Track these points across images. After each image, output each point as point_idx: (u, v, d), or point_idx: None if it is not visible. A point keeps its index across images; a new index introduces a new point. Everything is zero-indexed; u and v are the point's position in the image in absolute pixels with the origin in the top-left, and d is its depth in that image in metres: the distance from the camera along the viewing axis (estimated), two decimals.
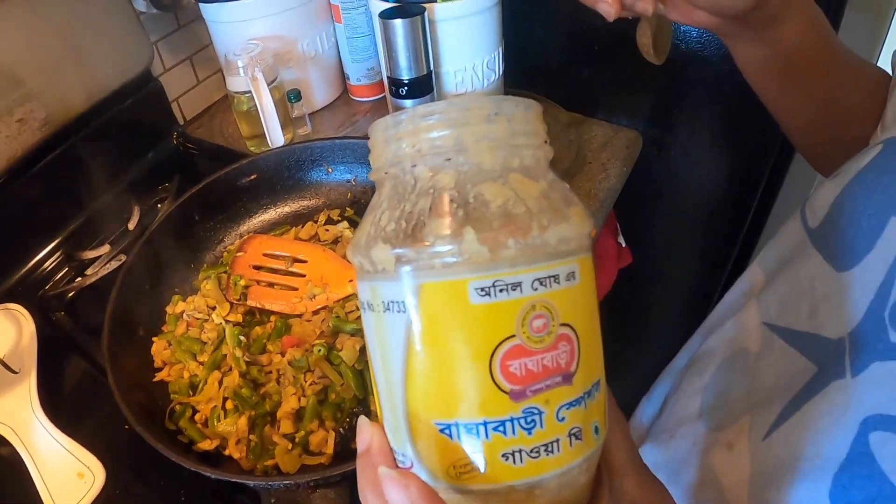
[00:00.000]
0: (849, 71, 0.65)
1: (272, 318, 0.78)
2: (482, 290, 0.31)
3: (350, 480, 0.63)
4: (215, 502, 0.72)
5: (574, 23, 1.12)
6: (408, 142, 0.33)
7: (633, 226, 1.28)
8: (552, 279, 0.31)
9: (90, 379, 0.86)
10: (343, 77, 1.26)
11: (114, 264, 0.95)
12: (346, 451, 0.67)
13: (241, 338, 0.73)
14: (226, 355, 0.73)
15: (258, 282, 0.80)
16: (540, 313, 0.31)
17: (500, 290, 0.31)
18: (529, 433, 0.32)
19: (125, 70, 1.07)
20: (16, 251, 0.99)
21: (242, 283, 0.79)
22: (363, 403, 0.69)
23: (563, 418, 0.32)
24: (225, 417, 0.69)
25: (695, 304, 1.52)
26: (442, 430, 0.32)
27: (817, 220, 0.55)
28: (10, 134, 0.92)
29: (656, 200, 1.32)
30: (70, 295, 0.94)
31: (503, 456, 0.32)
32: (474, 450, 0.32)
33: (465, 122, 0.33)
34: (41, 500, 0.72)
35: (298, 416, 0.69)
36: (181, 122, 1.24)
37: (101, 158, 1.07)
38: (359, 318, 0.73)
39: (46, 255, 1.01)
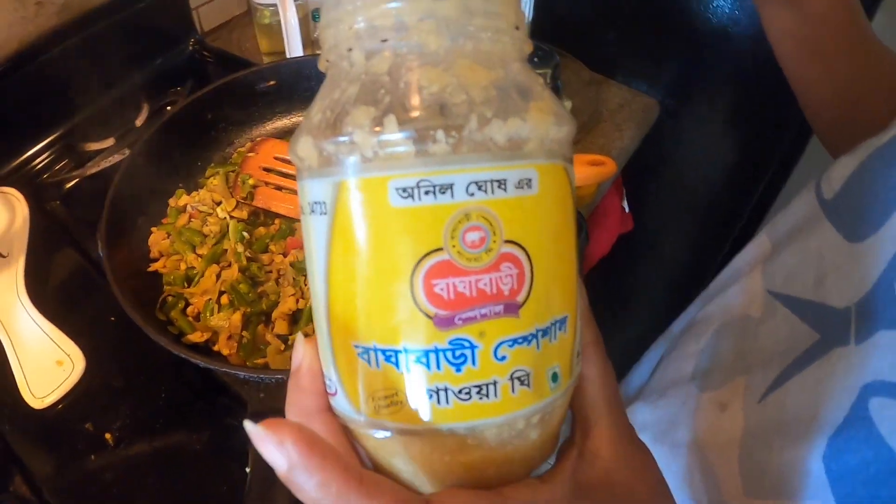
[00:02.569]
0: (873, 53, 0.64)
1: (276, 220, 0.77)
2: (404, 190, 0.25)
3: None
4: (196, 401, 0.72)
5: None
6: (346, 22, 0.28)
7: (638, 194, 1.27)
8: (496, 184, 0.26)
9: (79, 270, 0.85)
10: None
11: (116, 158, 0.94)
12: None
13: (245, 234, 0.73)
14: (226, 250, 0.73)
15: (266, 183, 0.79)
16: (476, 224, 0.26)
17: (426, 192, 0.25)
18: (458, 370, 0.27)
19: None
20: (18, 137, 0.97)
21: (251, 182, 0.78)
22: None
23: (503, 357, 0.27)
24: (219, 312, 0.68)
25: (686, 280, 1.53)
26: (360, 354, 0.27)
27: (832, 192, 0.55)
28: (27, 15, 0.91)
29: (664, 172, 1.32)
30: (68, 185, 0.93)
31: (427, 392, 0.27)
32: (394, 381, 0.27)
33: None
34: (16, 385, 0.72)
35: (294, 318, 0.68)
36: (199, 31, 1.22)
37: (115, 54, 1.05)
38: None
39: (49, 144, 0.99)
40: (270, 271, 0.71)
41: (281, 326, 0.67)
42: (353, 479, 0.26)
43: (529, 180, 0.26)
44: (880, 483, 0.40)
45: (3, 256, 0.83)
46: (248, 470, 0.57)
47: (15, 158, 0.97)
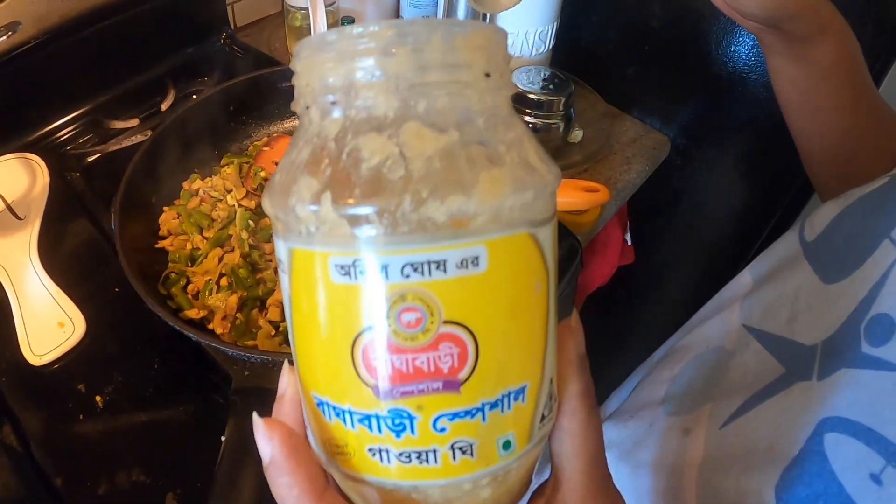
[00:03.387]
0: (874, 110, 0.67)
1: None
2: (342, 268, 0.26)
3: None
4: (185, 375, 0.75)
5: (630, 18, 1.14)
6: (305, 77, 0.28)
7: (643, 230, 1.29)
8: (433, 265, 0.25)
9: (91, 240, 0.88)
10: (397, 18, 1.28)
11: (139, 138, 0.98)
12: None
13: (250, 222, 0.76)
14: (231, 235, 0.76)
15: None
16: (412, 305, 0.25)
17: (361, 273, 0.25)
18: (397, 436, 0.27)
19: None
20: (47, 107, 1.01)
21: (263, 174, 0.81)
22: None
23: (442, 429, 0.27)
24: (217, 292, 0.71)
25: (685, 319, 1.54)
26: (318, 404, 0.29)
27: (814, 234, 0.57)
28: None
29: (671, 210, 1.34)
30: (89, 159, 0.97)
31: (370, 451, 0.28)
32: (343, 434, 0.28)
33: (358, 53, 0.26)
34: (17, 340, 0.74)
35: None
36: (232, 26, 1.25)
37: (149, 38, 1.09)
38: None
39: (75, 118, 1.03)
40: (270, 260, 0.74)
41: (274, 313, 0.70)
42: (314, 492, 0.29)
43: (476, 258, 0.25)
44: None
45: (20, 219, 0.86)
46: (223, 439, 0.60)
47: (42, 127, 1.00)
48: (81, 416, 0.70)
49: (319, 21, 1.03)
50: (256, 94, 0.90)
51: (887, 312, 0.45)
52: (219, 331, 0.69)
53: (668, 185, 1.23)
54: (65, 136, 1.01)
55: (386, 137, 0.25)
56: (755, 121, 1.12)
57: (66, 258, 0.86)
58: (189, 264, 0.75)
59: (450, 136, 0.25)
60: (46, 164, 0.92)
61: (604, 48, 1.21)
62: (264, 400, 0.62)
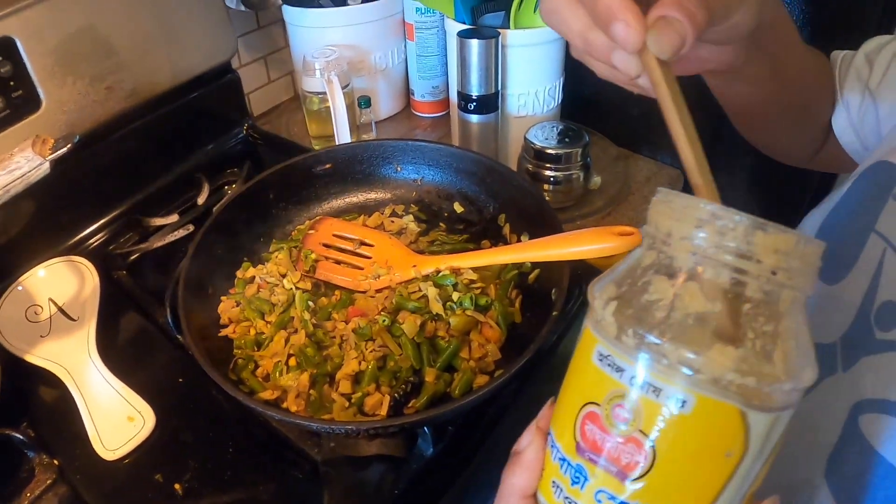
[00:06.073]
0: (808, 54, 0.69)
1: (336, 292, 0.83)
2: (600, 354, 0.34)
3: (406, 433, 0.68)
4: (262, 456, 0.76)
5: None
6: (656, 217, 0.36)
7: None
8: (651, 388, 0.32)
9: (147, 334, 0.91)
10: (407, 92, 1.34)
11: (181, 233, 1.01)
12: (398, 415, 0.71)
13: (310, 303, 0.79)
14: (293, 317, 0.79)
15: (326, 258, 0.86)
16: (625, 406, 0.33)
17: (607, 366, 0.34)
18: (572, 484, 0.36)
19: (210, 57, 1.14)
20: (86, 210, 1.06)
21: (313, 256, 0.85)
22: (418, 373, 0.74)
23: (599, 501, 0.34)
24: (287, 372, 0.74)
25: None
26: (548, 433, 0.39)
27: None
28: (98, 99, 0.99)
29: None
30: (133, 257, 1.00)
31: (553, 482, 0.37)
32: (548, 460, 0.38)
33: (680, 217, 0.34)
34: (88, 438, 0.77)
35: (356, 379, 0.73)
36: (251, 116, 1.31)
37: (177, 136, 1.14)
38: (420, 297, 0.79)
39: (115, 218, 1.07)
40: (334, 337, 0.77)
41: (345, 386, 0.72)
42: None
43: (686, 401, 0.32)
44: (876, 487, 0.45)
45: (74, 320, 0.89)
46: None
47: (80, 231, 1.05)
48: None
49: (339, 104, 1.08)
50: (293, 179, 0.93)
51: (891, 299, 0.50)
52: (294, 408, 0.71)
53: None
54: (104, 238, 1.05)
55: (670, 285, 0.33)
56: None
57: (125, 354, 0.88)
58: (255, 349, 0.78)
59: (713, 307, 0.32)
60: (94, 265, 0.95)
61: (606, 94, 1.25)
62: (356, 467, 0.65)
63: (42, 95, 0.91)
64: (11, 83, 0.88)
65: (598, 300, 0.36)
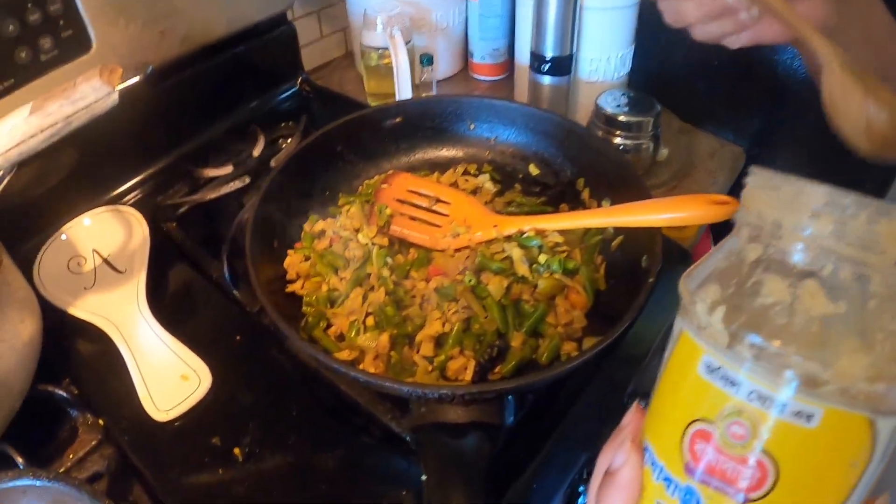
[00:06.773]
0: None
1: (412, 250, 0.79)
2: (709, 367, 0.31)
3: (501, 400, 0.64)
4: (329, 421, 0.73)
5: None
6: (756, 205, 0.32)
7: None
8: (773, 402, 0.29)
9: (201, 289, 0.88)
10: (465, 53, 1.29)
11: (237, 184, 0.97)
12: (482, 381, 0.67)
13: (388, 259, 0.75)
14: (369, 274, 0.75)
15: (401, 214, 0.81)
16: (743, 423, 0.30)
17: (720, 378, 0.31)
18: None
19: (266, 7, 1.10)
20: (133, 159, 1.02)
21: (388, 211, 0.80)
22: (503, 338, 0.70)
23: None
24: (365, 332, 0.70)
25: None
26: (644, 447, 0.36)
27: None
28: (150, 43, 0.94)
29: None
30: (183, 209, 0.96)
31: (656, 501, 0.35)
32: (647, 479, 0.35)
33: (794, 203, 0.30)
34: (138, 397, 0.73)
35: (438, 342, 0.70)
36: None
37: (229, 87, 1.10)
38: (504, 258, 0.75)
39: (163, 169, 1.04)
40: (414, 296, 0.73)
41: (427, 348, 0.68)
42: None
43: (811, 416, 0.29)
44: None
45: (121, 272, 0.85)
46: (423, 478, 0.58)
47: (131, 178, 1.01)
48: (220, 471, 0.67)
49: (402, 59, 1.04)
50: (361, 132, 0.89)
51: None
52: (372, 370, 0.68)
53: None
54: (151, 188, 1.01)
55: (786, 285, 0.30)
56: (825, 122, 1.12)
57: (178, 310, 0.84)
58: (328, 306, 0.74)
59: (837, 308, 0.29)
60: (143, 215, 0.91)
61: (672, 67, 1.22)
62: (451, 434, 0.61)
63: (93, 36, 0.86)
64: (61, 22, 0.82)
65: (701, 304, 0.32)
